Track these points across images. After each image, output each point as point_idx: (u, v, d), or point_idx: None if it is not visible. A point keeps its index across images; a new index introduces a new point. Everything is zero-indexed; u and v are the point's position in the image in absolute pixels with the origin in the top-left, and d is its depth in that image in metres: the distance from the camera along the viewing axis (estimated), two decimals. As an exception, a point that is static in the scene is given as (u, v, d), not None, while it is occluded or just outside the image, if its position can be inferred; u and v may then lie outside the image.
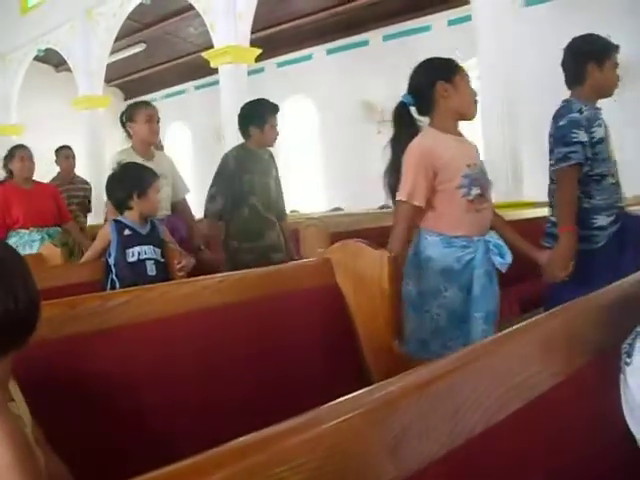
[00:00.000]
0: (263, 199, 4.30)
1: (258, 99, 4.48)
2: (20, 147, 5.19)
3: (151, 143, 4.01)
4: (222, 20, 9.48)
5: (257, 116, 4.29)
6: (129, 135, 3.96)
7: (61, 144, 6.80)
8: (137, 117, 3.91)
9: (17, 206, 5.03)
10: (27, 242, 4.95)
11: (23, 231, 5.02)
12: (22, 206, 5.03)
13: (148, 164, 3.64)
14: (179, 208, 4.21)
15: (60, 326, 1.58)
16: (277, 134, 4.38)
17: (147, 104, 4.05)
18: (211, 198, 4.24)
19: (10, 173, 5.16)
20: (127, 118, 3.96)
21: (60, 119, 13.99)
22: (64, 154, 6.62)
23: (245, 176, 4.22)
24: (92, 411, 1.51)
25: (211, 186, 4.25)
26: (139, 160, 3.71)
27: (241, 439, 0.67)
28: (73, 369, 1.53)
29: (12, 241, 4.80)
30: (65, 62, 13.41)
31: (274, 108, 4.37)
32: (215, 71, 9.76)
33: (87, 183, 7.00)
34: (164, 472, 0.61)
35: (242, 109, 4.41)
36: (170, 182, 4.03)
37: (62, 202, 5.52)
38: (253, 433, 0.68)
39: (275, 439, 0.67)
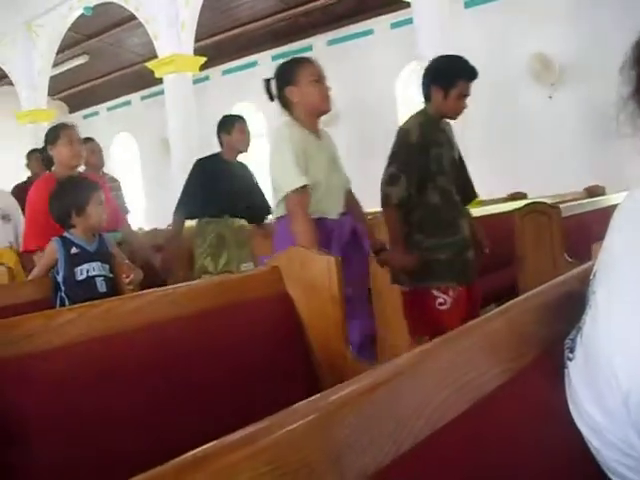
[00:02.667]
0: (452, 179, 3.44)
1: (453, 55, 3.57)
2: (66, 126, 3.90)
3: (324, 112, 3.04)
4: (165, 29, 9.47)
5: (444, 75, 3.36)
6: (285, 105, 3.05)
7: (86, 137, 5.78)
8: (301, 76, 2.96)
9: None
10: None
11: None
12: None
13: (318, 142, 3.03)
14: (348, 201, 3.27)
15: (3, 348, 1.54)
16: (464, 106, 3.40)
17: (309, 60, 3.08)
18: (392, 179, 3.29)
19: (49, 162, 3.89)
20: (284, 80, 3.01)
21: (3, 134, 13.74)
22: (89, 148, 5.48)
23: (432, 150, 3.33)
24: (38, 434, 1.48)
25: (389, 164, 3.34)
26: (307, 136, 2.97)
27: (181, 458, 0.66)
28: (17, 392, 1.50)
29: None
30: (6, 76, 13.20)
31: (469, 72, 3.36)
32: (160, 81, 9.71)
33: (116, 180, 6.19)
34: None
35: (430, 62, 3.51)
36: (339, 167, 3.16)
37: (114, 199, 4.44)
38: (193, 451, 0.67)
39: (215, 456, 0.66)
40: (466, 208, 3.58)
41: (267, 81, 3.09)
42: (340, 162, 3.19)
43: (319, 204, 2.95)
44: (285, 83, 3.00)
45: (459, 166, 3.56)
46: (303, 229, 2.80)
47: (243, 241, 4.55)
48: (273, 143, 3.02)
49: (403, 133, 3.37)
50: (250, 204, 4.62)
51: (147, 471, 0.63)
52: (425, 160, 3.29)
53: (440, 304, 3.24)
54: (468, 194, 3.60)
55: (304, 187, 2.83)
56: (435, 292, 3.25)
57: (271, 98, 3.09)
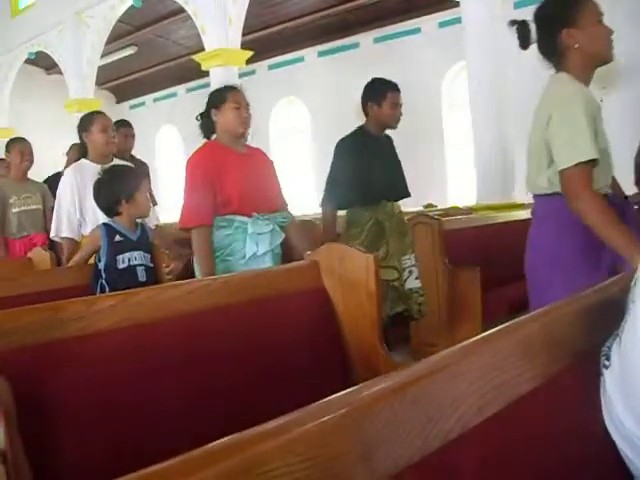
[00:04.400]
0: None
1: None
2: (233, 88, 3.34)
3: (606, 62, 2.42)
4: (213, 23, 9.51)
5: None
6: (551, 54, 2.42)
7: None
8: (584, 15, 2.33)
9: (233, 178, 3.16)
10: (252, 236, 3.12)
11: (240, 218, 3.14)
12: (239, 179, 3.18)
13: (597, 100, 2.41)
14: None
15: (43, 331, 1.58)
16: None
17: None
18: None
19: (208, 129, 3.40)
20: (561, 20, 2.35)
21: (51, 122, 14.00)
22: (123, 132, 5.32)
23: None
24: (76, 417, 1.51)
25: None
26: (591, 94, 2.37)
27: (213, 444, 0.67)
28: (56, 375, 1.53)
29: (222, 234, 3.15)
30: (56, 65, 13.42)
31: None
32: (206, 74, 9.78)
33: (144, 164, 5.69)
34: (134, 476, 0.61)
35: None
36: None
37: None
38: (225, 438, 0.68)
39: (247, 444, 0.67)
40: None
41: (522, 24, 2.48)
42: None
43: (608, 178, 2.35)
44: (562, 23, 2.34)
45: None
46: (595, 207, 2.17)
47: (404, 230, 3.95)
48: (556, 102, 2.36)
49: None
50: (399, 184, 4.10)
51: (180, 455, 0.65)
52: None
53: None
54: None
55: (592, 162, 2.22)
56: None
57: (524, 45, 2.49)
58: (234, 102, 3.21)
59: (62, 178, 3.98)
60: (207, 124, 3.35)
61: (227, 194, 3.11)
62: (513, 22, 2.50)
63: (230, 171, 3.15)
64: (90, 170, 3.77)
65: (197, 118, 3.39)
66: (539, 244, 2.42)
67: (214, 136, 3.36)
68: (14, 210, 5.23)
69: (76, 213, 3.83)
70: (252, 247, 3.09)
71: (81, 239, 3.83)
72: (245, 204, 3.13)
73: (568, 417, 1.07)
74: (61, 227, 3.87)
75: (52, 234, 3.99)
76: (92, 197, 3.44)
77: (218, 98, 3.27)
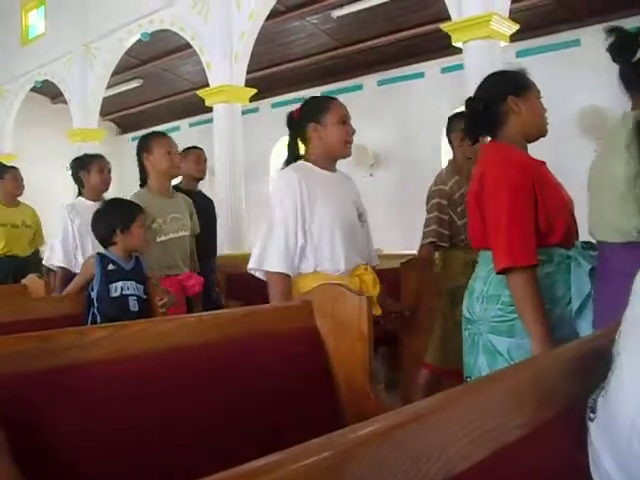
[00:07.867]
0: None
1: None
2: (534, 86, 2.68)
3: None
4: (218, 59, 9.63)
5: None
6: None
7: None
8: None
9: (559, 195, 2.37)
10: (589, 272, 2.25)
11: (561, 251, 2.32)
12: (564, 196, 2.40)
13: None
14: None
15: (33, 360, 1.57)
16: None
17: None
18: None
19: (480, 127, 2.64)
20: None
21: (54, 150, 14.06)
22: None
23: None
24: (63, 448, 1.50)
25: None
26: None
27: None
28: (45, 405, 1.52)
29: (539, 272, 2.25)
30: (61, 94, 13.53)
31: None
32: (210, 109, 9.85)
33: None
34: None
35: None
36: None
37: None
38: (208, 477, 0.68)
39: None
40: None
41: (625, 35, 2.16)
42: None
43: None
44: None
45: None
46: None
47: None
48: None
49: None
50: None
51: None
52: None
53: None
54: None
55: None
56: None
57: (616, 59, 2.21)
58: (537, 96, 2.60)
59: (278, 182, 2.97)
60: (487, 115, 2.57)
61: (552, 217, 2.27)
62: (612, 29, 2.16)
63: (551, 185, 2.34)
64: (316, 175, 2.92)
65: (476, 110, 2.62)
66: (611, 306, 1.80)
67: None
68: (158, 239, 3.66)
69: (297, 234, 2.73)
70: (586, 286, 2.23)
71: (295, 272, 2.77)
72: (571, 230, 2.35)
73: (554, 467, 1.07)
74: (282, 259, 2.71)
75: (252, 266, 2.77)
76: (320, 211, 2.77)
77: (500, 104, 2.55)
